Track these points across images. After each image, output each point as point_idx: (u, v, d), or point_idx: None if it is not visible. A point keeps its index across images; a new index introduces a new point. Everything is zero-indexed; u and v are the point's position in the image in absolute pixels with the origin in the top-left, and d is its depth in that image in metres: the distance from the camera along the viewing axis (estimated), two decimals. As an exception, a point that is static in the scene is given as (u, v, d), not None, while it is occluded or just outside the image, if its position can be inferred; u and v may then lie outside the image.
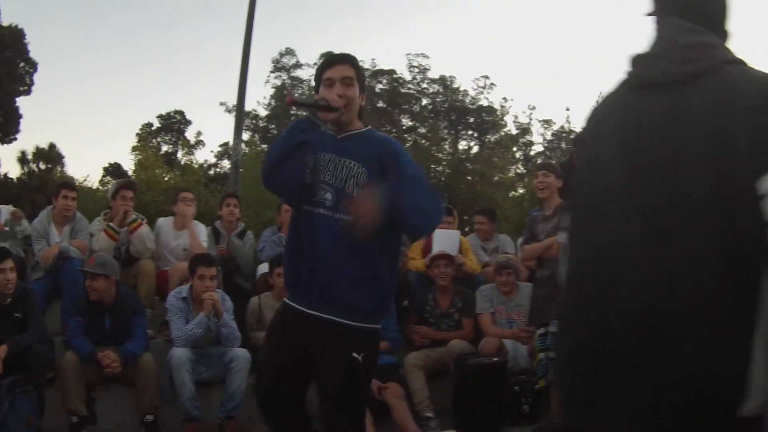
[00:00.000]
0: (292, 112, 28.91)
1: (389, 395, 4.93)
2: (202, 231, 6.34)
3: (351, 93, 2.73)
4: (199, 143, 34.44)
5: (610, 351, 1.64)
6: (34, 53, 27.04)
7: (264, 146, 25.24)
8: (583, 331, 1.73)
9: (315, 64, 31.72)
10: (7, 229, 5.72)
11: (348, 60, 2.79)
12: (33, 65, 26.93)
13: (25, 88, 26.85)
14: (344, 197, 2.62)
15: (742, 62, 1.68)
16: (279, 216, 6.61)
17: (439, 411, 5.15)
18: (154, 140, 32.31)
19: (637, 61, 1.79)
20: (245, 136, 21.55)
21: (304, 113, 2.73)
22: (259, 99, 34.61)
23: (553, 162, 5.67)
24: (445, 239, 6.11)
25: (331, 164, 2.72)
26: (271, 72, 32.60)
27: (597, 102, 1.98)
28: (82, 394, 4.75)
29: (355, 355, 2.63)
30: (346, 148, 2.73)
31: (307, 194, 2.72)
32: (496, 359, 5.27)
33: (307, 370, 2.75)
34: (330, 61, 2.82)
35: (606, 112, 1.83)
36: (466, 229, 15.95)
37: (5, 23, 26.25)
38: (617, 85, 1.83)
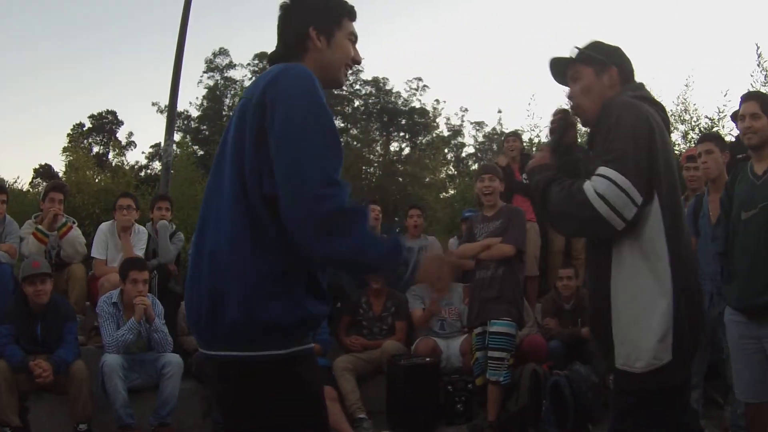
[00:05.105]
0: (224, 113, 28.51)
1: (322, 398, 4.98)
2: (143, 236, 6.08)
3: None
4: (131, 144, 33.68)
5: None
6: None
7: (195, 147, 24.78)
8: None
9: (248, 64, 31.36)
10: None
11: None
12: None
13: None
14: None
15: None
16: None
17: (374, 412, 5.23)
18: (85, 141, 31.24)
19: None
20: (177, 137, 21.11)
21: None
22: (191, 99, 34.13)
23: (497, 166, 5.79)
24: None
25: None
26: (204, 72, 32.18)
27: None
28: (14, 405, 4.60)
29: None
30: None
31: None
32: (429, 359, 5.37)
33: None
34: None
35: None
36: (397, 230, 16.07)
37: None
38: None
